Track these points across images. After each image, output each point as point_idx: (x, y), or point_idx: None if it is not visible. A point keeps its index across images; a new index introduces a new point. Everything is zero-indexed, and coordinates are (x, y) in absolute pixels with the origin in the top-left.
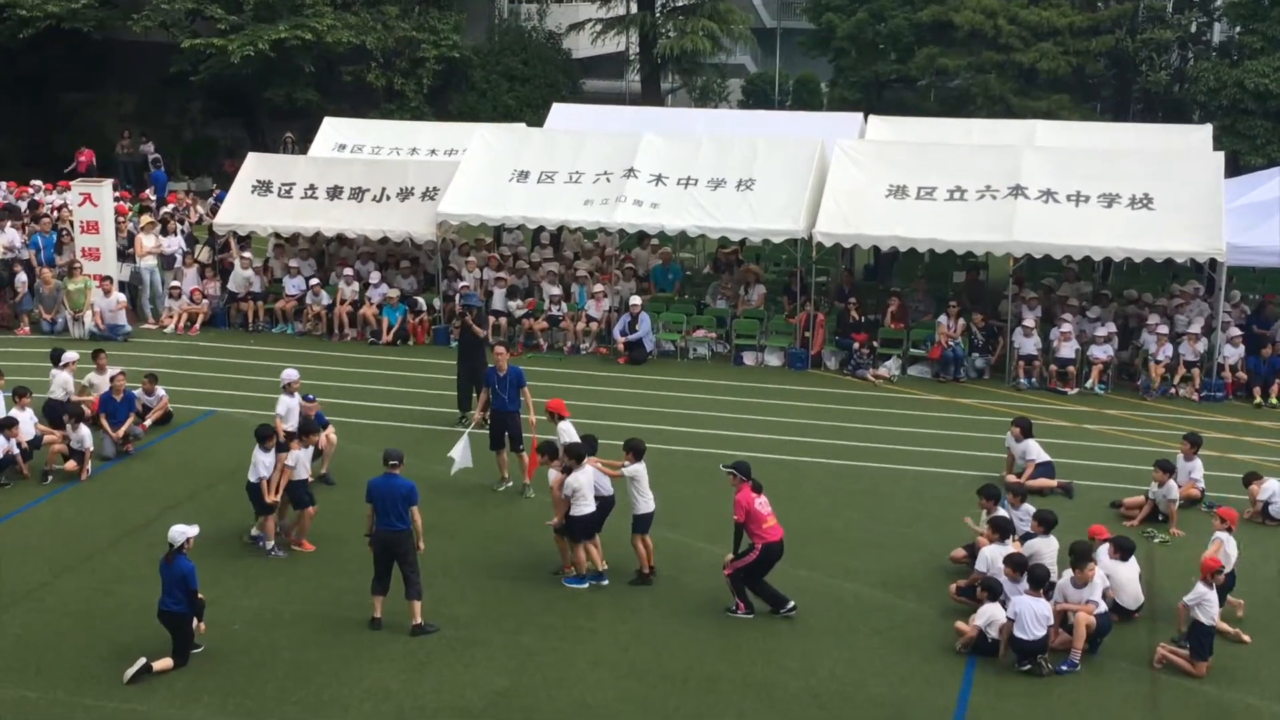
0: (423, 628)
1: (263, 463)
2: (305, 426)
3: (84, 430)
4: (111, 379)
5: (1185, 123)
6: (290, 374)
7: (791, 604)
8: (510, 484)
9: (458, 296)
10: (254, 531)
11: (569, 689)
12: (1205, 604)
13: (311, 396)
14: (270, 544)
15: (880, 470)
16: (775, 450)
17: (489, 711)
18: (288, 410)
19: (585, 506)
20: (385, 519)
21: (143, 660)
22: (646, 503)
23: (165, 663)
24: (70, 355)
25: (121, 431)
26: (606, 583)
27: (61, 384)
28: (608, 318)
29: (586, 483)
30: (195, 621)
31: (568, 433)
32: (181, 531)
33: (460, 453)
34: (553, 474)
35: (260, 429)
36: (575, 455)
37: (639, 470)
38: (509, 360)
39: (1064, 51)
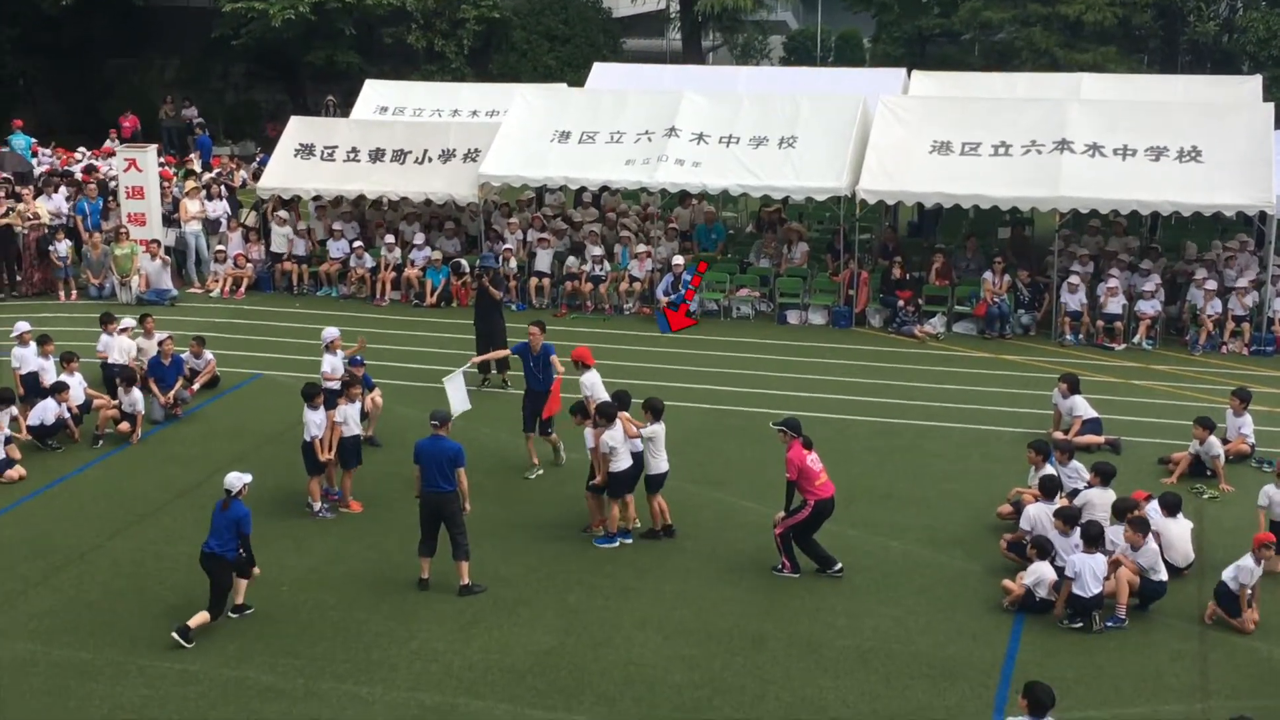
0: (470, 588)
1: (314, 422)
2: (348, 380)
3: (136, 393)
4: (159, 343)
5: (1234, 74)
6: (331, 332)
7: (839, 565)
8: (541, 471)
9: (477, 259)
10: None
11: (616, 648)
12: (1240, 573)
13: (360, 359)
14: (318, 506)
15: (925, 427)
16: (820, 409)
17: (536, 671)
18: (333, 369)
19: (623, 462)
20: (431, 480)
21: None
22: (661, 463)
23: (201, 618)
24: (128, 321)
25: (170, 395)
26: (631, 540)
27: (121, 348)
28: (651, 277)
29: (621, 438)
30: (251, 567)
31: (594, 385)
32: (238, 478)
33: (456, 395)
34: (588, 433)
35: (306, 388)
36: (606, 415)
37: (658, 431)
38: (543, 339)
39: (1110, 3)
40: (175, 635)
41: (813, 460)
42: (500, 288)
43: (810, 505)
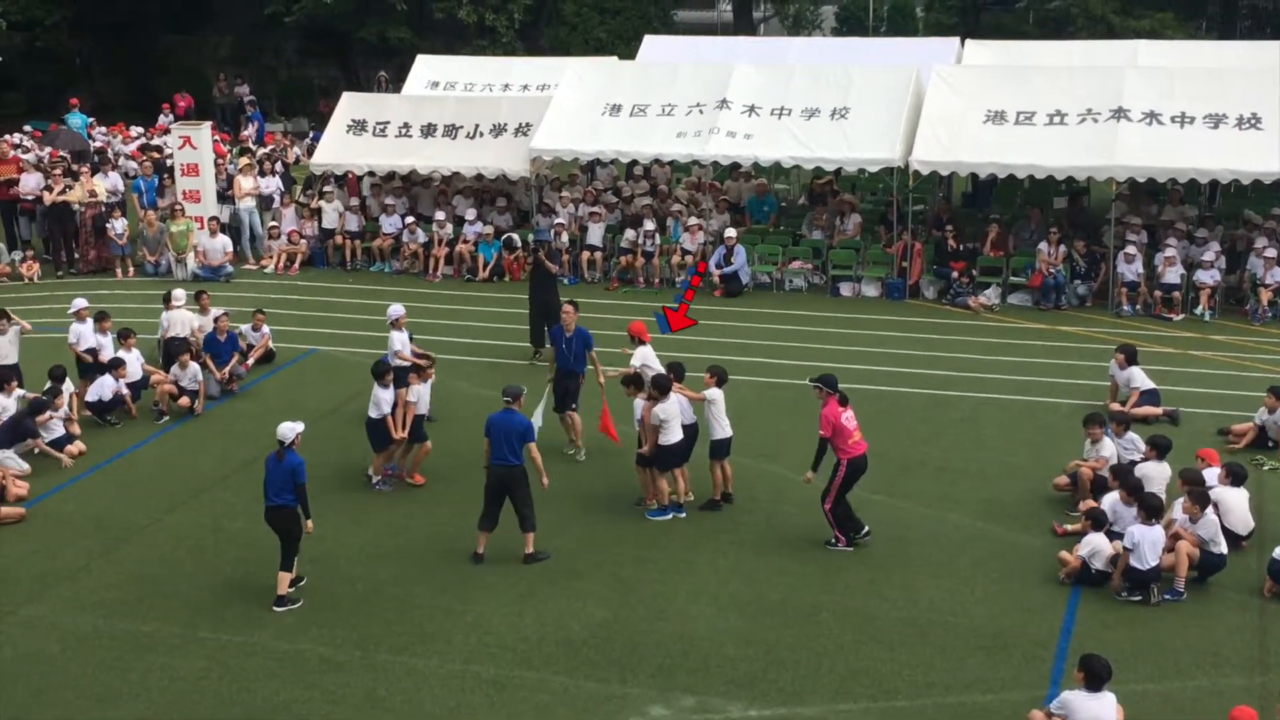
0: (535, 555)
1: (383, 399)
2: (424, 360)
3: (194, 367)
4: (215, 320)
5: None
6: (396, 309)
7: (866, 529)
8: (582, 449)
9: (532, 233)
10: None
11: (670, 621)
12: None
13: (410, 335)
14: (376, 479)
15: (980, 399)
16: (874, 381)
17: (591, 643)
18: (402, 345)
19: (673, 435)
20: (500, 454)
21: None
22: (723, 428)
23: (282, 578)
24: (179, 294)
25: (226, 371)
26: (684, 514)
27: (183, 322)
28: (703, 250)
29: (674, 412)
30: (305, 520)
31: (647, 357)
32: (290, 428)
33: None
34: (639, 404)
35: (376, 365)
36: (661, 387)
37: (718, 395)
38: (577, 320)
39: None
40: (276, 609)
41: (848, 418)
42: (555, 262)
43: (844, 464)
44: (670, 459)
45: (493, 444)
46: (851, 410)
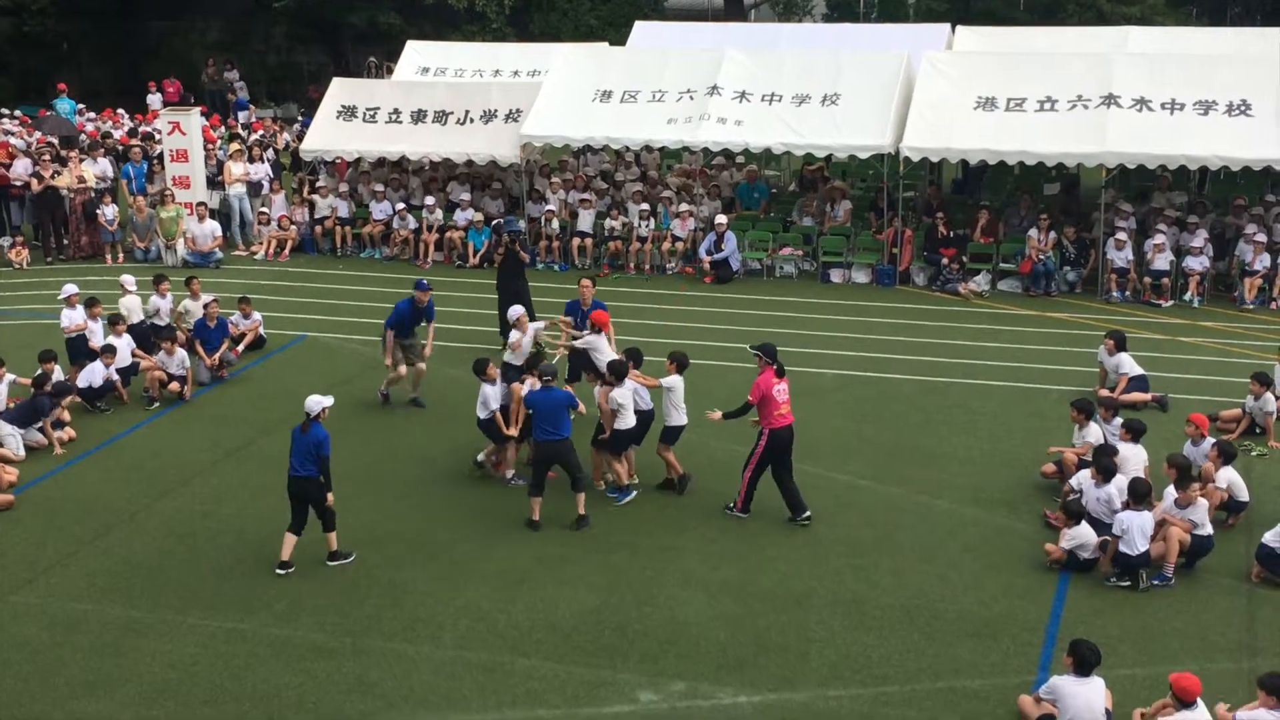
0: (584, 519)
1: (491, 395)
2: (531, 362)
3: (181, 353)
4: (205, 306)
5: None
6: (517, 310)
7: (808, 513)
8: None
9: (502, 221)
10: (479, 458)
11: (660, 607)
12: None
13: (425, 282)
14: (510, 474)
15: (970, 386)
16: (864, 367)
17: (581, 629)
18: (517, 339)
19: (627, 420)
20: (544, 431)
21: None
22: (680, 416)
23: (330, 538)
24: (128, 280)
25: (216, 357)
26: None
27: (133, 308)
28: (693, 237)
29: (628, 398)
30: (327, 493)
31: (600, 348)
32: (318, 401)
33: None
34: (598, 390)
35: (477, 362)
36: (616, 373)
37: (677, 382)
38: (594, 293)
39: None
40: (330, 564)
41: (779, 390)
42: (527, 250)
43: (766, 434)
44: (619, 443)
45: (538, 420)
46: (787, 384)
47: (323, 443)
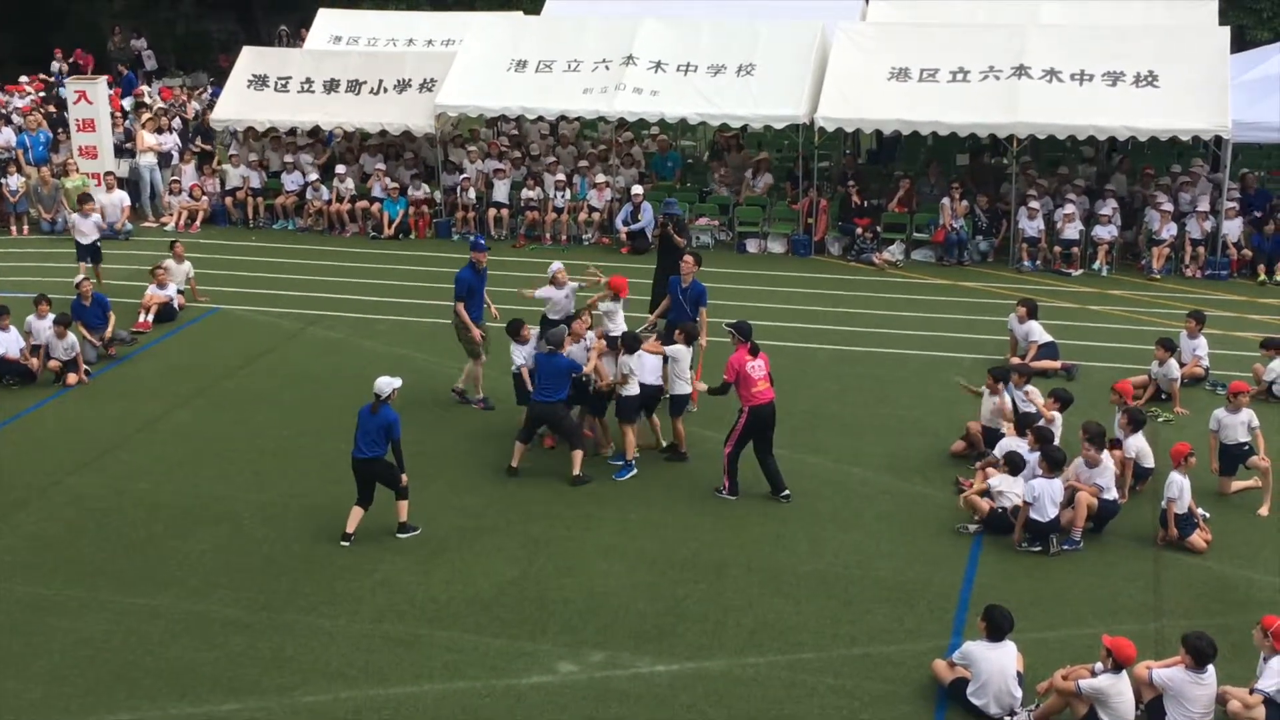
0: (581, 478)
1: (523, 353)
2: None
3: (71, 337)
4: (77, 285)
5: None
6: (556, 265)
7: (787, 493)
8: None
9: (662, 205)
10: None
11: (579, 577)
12: (1169, 488)
13: (482, 241)
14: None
15: (885, 354)
16: (780, 336)
17: (500, 600)
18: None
19: (632, 389)
20: (540, 390)
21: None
22: (684, 385)
23: (400, 507)
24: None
25: (108, 334)
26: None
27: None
28: (610, 207)
29: (639, 364)
30: (401, 473)
31: (616, 316)
32: (388, 382)
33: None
34: (601, 342)
35: (511, 324)
36: (629, 345)
37: (682, 352)
38: (694, 274)
39: None
40: (400, 536)
41: (754, 367)
42: (683, 235)
43: (746, 412)
44: (628, 410)
45: (537, 380)
46: (763, 360)
47: (393, 425)
